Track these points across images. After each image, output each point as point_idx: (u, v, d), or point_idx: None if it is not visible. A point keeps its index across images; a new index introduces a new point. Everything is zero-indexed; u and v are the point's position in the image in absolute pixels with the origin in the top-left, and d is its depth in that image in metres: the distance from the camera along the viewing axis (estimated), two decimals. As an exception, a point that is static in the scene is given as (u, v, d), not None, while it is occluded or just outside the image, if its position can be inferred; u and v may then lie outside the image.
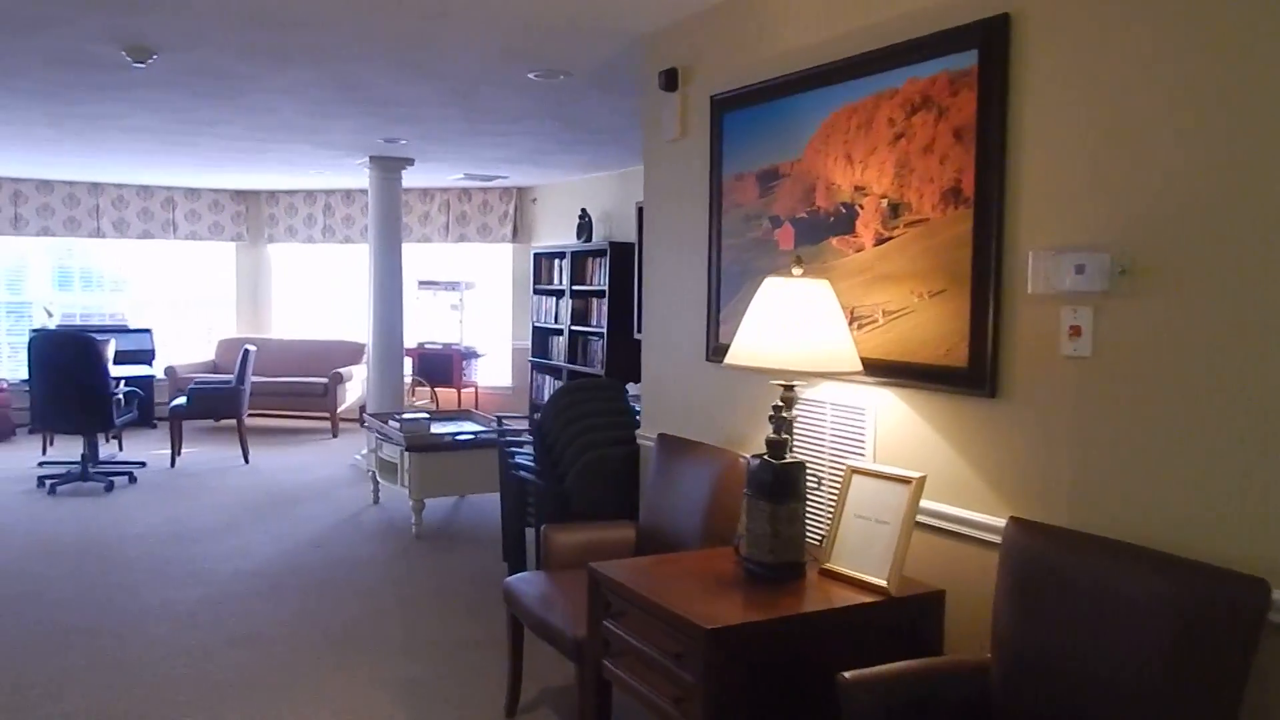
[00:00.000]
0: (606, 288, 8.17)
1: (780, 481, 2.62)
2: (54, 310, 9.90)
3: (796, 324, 2.60)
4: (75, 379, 6.85)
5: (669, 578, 2.62)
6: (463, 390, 9.90)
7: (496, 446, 5.95)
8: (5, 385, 9.06)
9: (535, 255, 9.43)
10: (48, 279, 10.16)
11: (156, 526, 6.10)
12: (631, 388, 7.48)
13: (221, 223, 10.64)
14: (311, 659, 4.02)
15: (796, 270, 2.70)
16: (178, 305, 10.81)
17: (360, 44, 4.26)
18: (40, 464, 7.91)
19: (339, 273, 10.92)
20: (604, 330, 8.22)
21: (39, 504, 6.63)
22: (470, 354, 9.97)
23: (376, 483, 6.83)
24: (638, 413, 4.37)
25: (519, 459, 5.00)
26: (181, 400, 8.09)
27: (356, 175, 9.05)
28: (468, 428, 6.63)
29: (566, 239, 9.37)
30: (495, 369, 10.43)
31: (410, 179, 8.97)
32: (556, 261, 9.17)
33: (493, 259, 10.49)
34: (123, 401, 7.67)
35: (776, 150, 3.21)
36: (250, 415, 9.31)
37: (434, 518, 6.42)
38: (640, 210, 7.79)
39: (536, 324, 9.41)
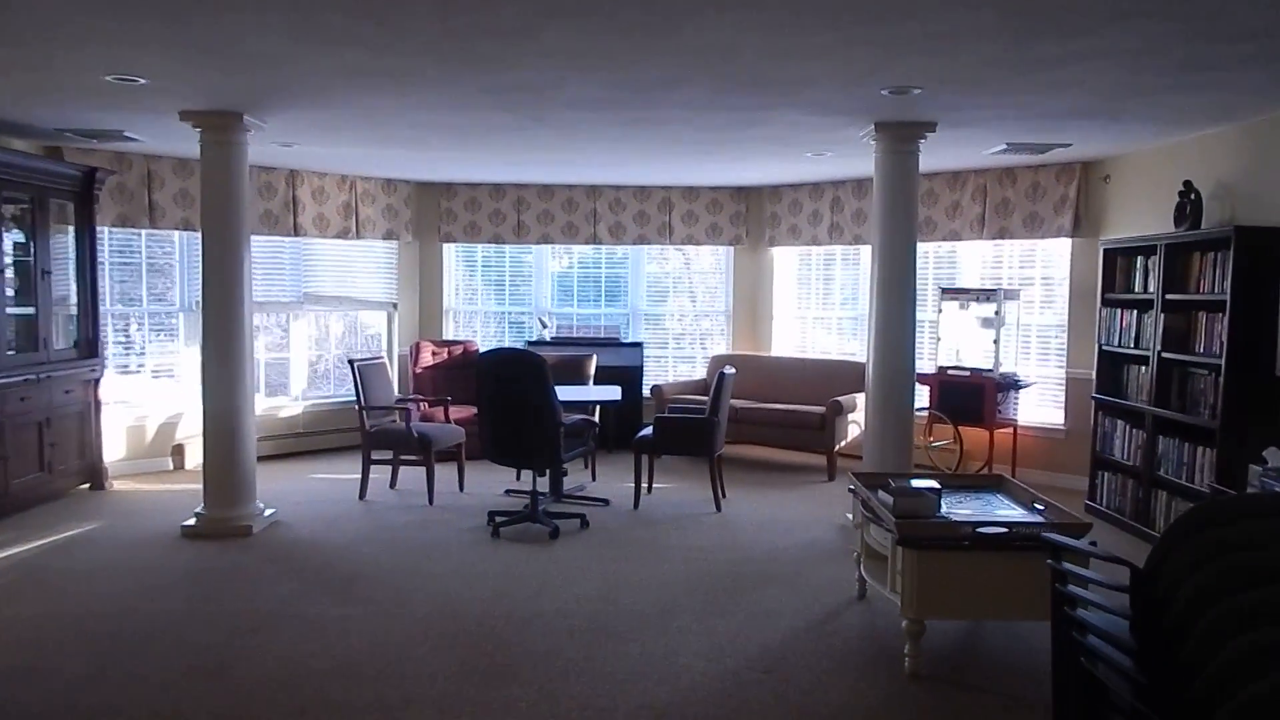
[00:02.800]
0: (1228, 296, 5.30)
1: None
2: (549, 322, 9.49)
3: None
4: (517, 405, 5.90)
5: None
6: (996, 431, 7.51)
7: (1044, 556, 3.65)
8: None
9: (1105, 251, 6.73)
10: (547, 288, 9.84)
11: (578, 603, 4.80)
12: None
13: (720, 224, 9.48)
14: None
15: None
16: (674, 316, 9.90)
17: None
18: (507, 491, 7.25)
19: (847, 278, 9.15)
20: (1219, 361, 5.36)
21: (474, 550, 5.76)
22: (1010, 383, 7.54)
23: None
24: None
25: (1088, 617, 2.70)
26: (647, 430, 6.90)
27: (864, 157, 7.18)
28: (1000, 511, 4.37)
29: (1154, 226, 6.54)
30: (1043, 403, 7.85)
31: (931, 158, 6.86)
32: (1137, 259, 6.40)
33: (1044, 259, 7.92)
34: (587, 431, 6.67)
35: None
36: (734, 444, 7.92)
37: (941, 640, 4.30)
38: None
39: (1105, 346, 6.71)
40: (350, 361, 7.14)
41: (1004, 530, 3.97)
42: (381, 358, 7.59)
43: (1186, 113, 5.47)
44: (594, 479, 7.70)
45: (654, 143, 6.77)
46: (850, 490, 4.96)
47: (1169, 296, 5.93)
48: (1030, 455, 7.75)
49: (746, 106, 5.44)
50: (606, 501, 6.92)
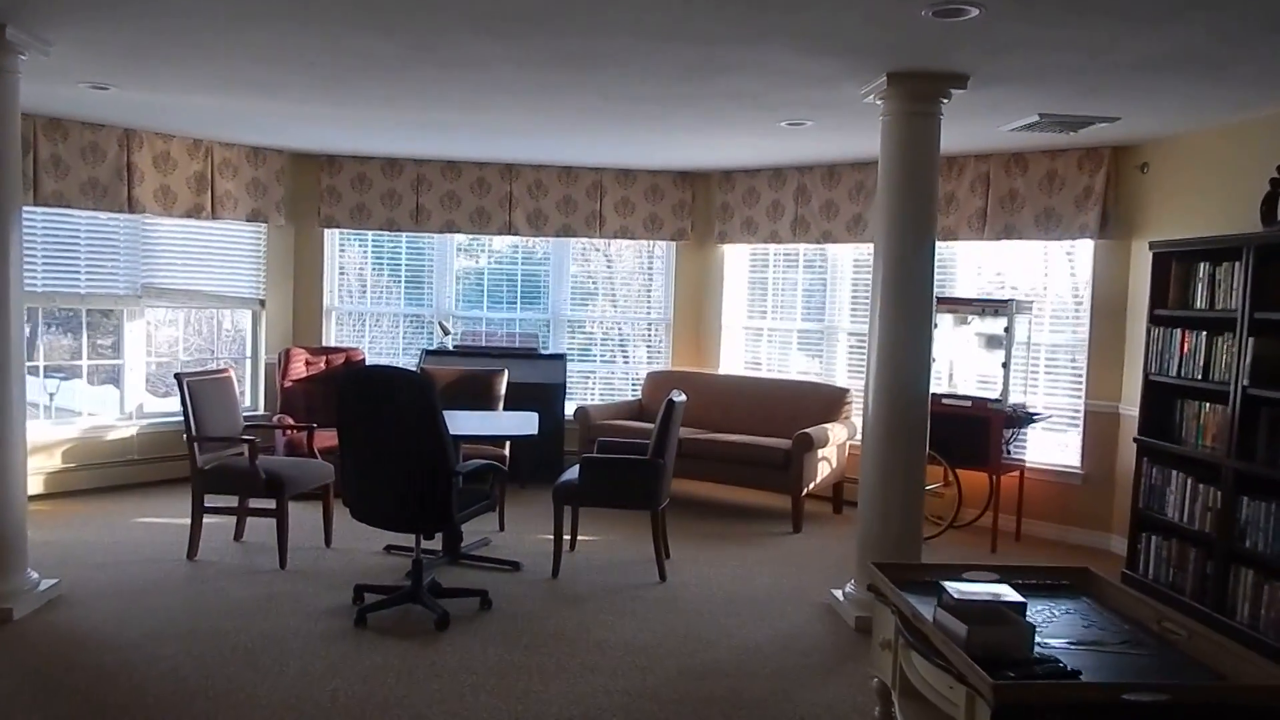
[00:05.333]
0: (1365, 318, 3.92)
1: None
2: (451, 328, 7.78)
3: None
4: (390, 447, 4.22)
5: None
6: (1002, 477, 6.08)
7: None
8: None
9: (1156, 256, 5.35)
10: (450, 287, 8.11)
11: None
12: None
13: (660, 215, 7.90)
14: None
15: None
16: (605, 323, 8.28)
17: None
18: (388, 548, 5.54)
19: (812, 284, 7.66)
20: (1347, 404, 3.98)
21: (327, 651, 4.05)
22: (1021, 416, 6.12)
23: (890, 704, 3.34)
24: None
25: None
26: (571, 474, 5.27)
27: (853, 130, 5.69)
28: (1111, 641, 2.87)
29: (1219, 225, 5.19)
30: (1055, 440, 6.46)
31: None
32: (1201, 266, 5.02)
33: (1057, 265, 6.54)
34: (493, 478, 5.00)
35: None
36: (677, 479, 6.37)
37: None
38: None
39: (1156, 376, 5.32)
40: (178, 377, 5.34)
41: (1162, 698, 2.45)
42: (226, 372, 5.79)
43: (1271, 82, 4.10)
44: (502, 527, 6.04)
45: (588, 98, 5.15)
46: (872, 593, 3.40)
47: (1259, 315, 4.55)
48: (1038, 504, 6.35)
49: (721, 38, 3.87)
50: (517, 565, 5.27)
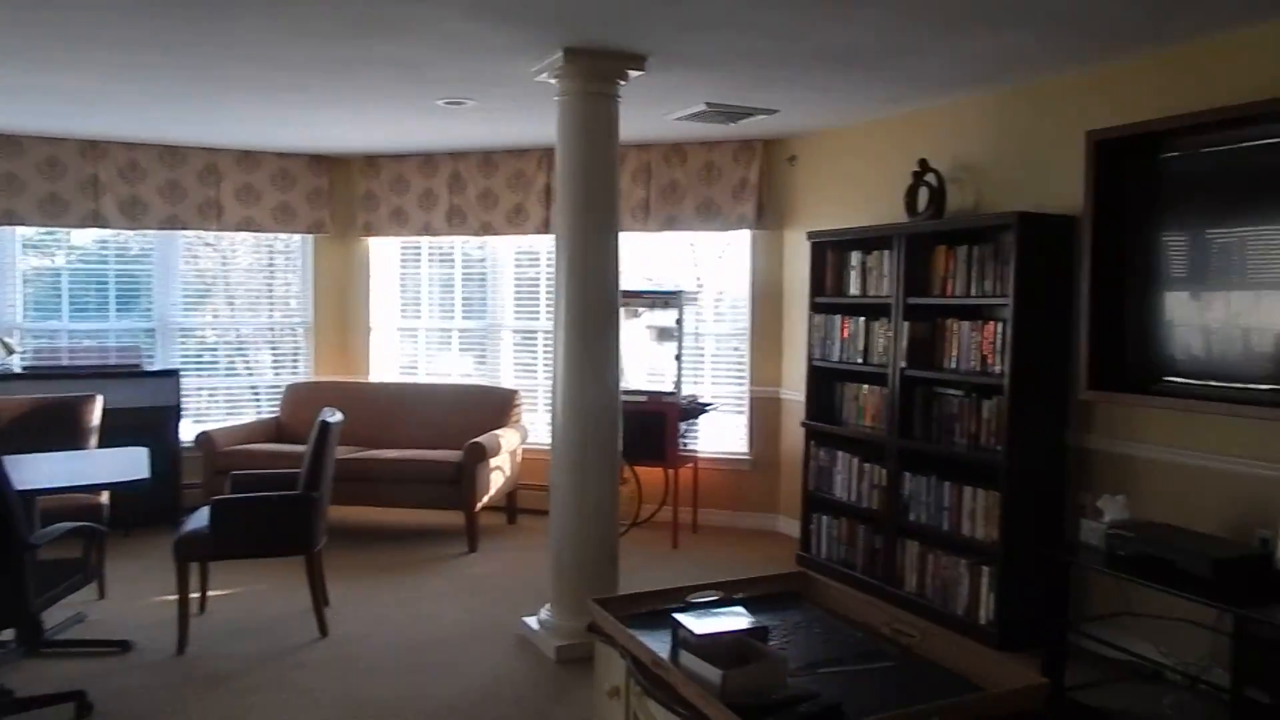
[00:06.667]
0: (1010, 300, 4.17)
1: None
2: (16, 344, 6.25)
3: None
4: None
5: None
6: (679, 470, 5.99)
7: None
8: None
9: (814, 246, 5.48)
10: (16, 291, 6.56)
11: None
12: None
13: (293, 204, 6.95)
14: None
15: None
16: (220, 330, 7.16)
17: None
18: (-53, 644, 4.24)
19: (472, 280, 7.14)
20: (998, 379, 4.23)
21: None
22: (694, 408, 6.05)
23: (617, 757, 2.95)
24: None
25: None
26: (199, 521, 4.33)
27: (518, 113, 5.25)
28: (862, 659, 2.70)
29: (870, 216, 5.42)
30: (725, 429, 6.50)
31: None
32: (858, 255, 5.21)
33: (719, 255, 6.58)
34: (89, 543, 3.94)
35: None
36: (333, 506, 5.61)
37: None
38: (1109, 147, 3.82)
39: (819, 362, 5.46)
40: None
41: (934, 721, 2.27)
42: None
43: (925, 80, 4.27)
44: (102, 594, 4.87)
45: (209, 57, 4.23)
46: (596, 634, 2.99)
47: (912, 300, 4.75)
48: (711, 492, 6.36)
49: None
50: (127, 645, 4.20)
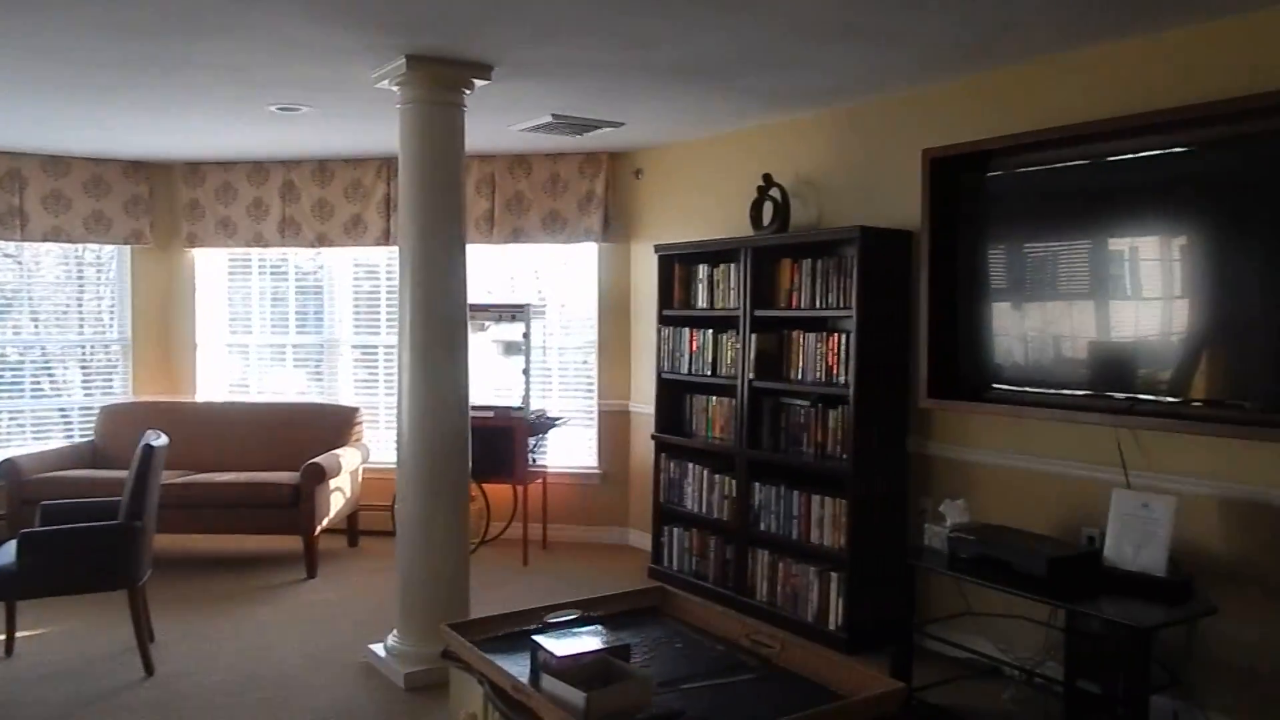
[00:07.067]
0: (854, 312, 4.31)
1: None
2: None
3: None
4: None
5: None
6: (528, 486, 5.88)
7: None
8: None
9: (661, 259, 5.51)
10: None
11: None
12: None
13: (107, 212, 6.45)
14: None
15: None
16: (34, 351, 6.57)
17: None
18: None
19: (307, 293, 6.82)
20: (847, 389, 4.35)
21: None
22: (543, 423, 5.96)
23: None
24: None
25: None
26: (5, 557, 3.93)
27: (357, 119, 5.04)
28: (733, 673, 2.69)
29: (715, 229, 5.50)
30: (575, 443, 6.43)
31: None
32: (705, 268, 5.27)
33: (564, 269, 6.52)
34: None
35: None
36: (158, 534, 5.22)
37: None
38: (943, 165, 4.01)
39: (668, 374, 5.48)
40: None
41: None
42: None
43: (776, 93, 4.38)
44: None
45: (10, 54, 3.86)
46: (451, 660, 2.86)
47: (759, 313, 4.84)
48: (561, 508, 6.29)
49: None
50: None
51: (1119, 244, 3.58)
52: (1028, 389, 3.86)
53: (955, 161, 4.05)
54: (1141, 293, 3.52)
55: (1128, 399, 3.51)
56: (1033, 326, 3.86)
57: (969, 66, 4.00)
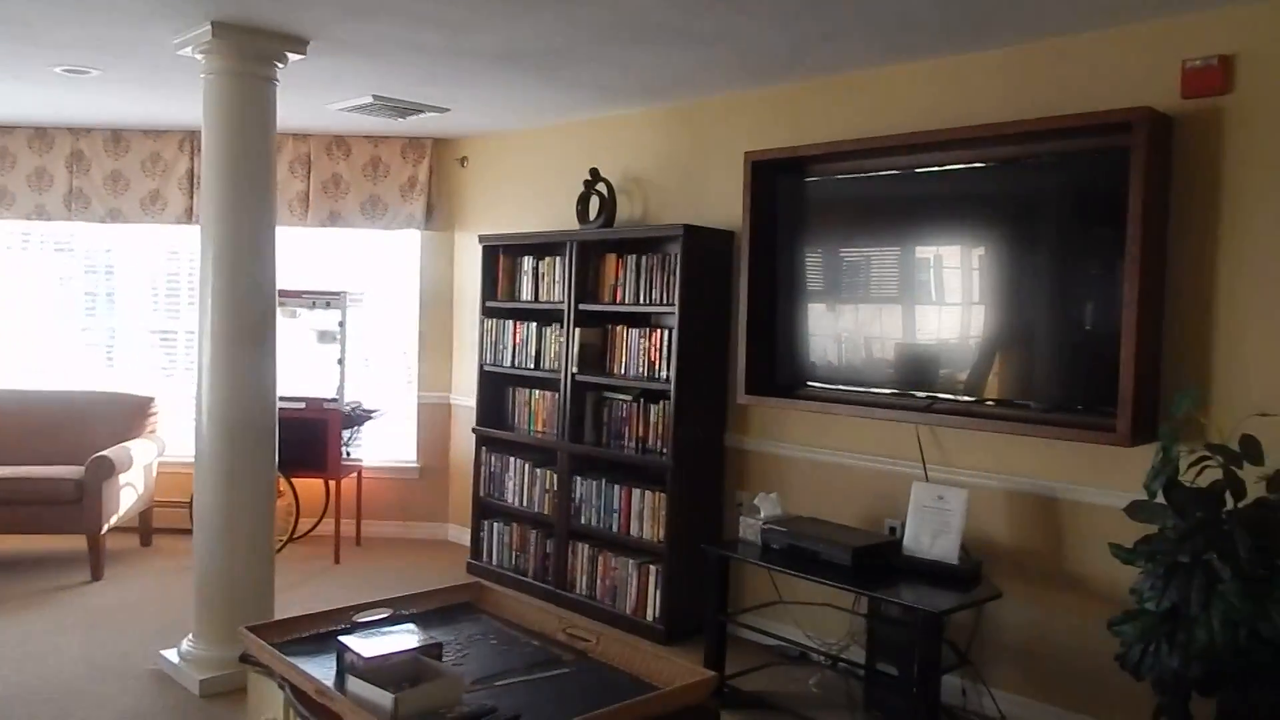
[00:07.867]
0: (676, 309, 4.37)
1: None
2: None
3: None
4: None
5: None
6: (341, 480, 5.65)
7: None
8: None
9: (486, 249, 5.40)
10: None
11: None
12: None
13: None
14: None
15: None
16: None
17: None
18: None
19: (95, 273, 6.29)
20: (669, 384, 4.40)
21: None
22: (359, 415, 5.74)
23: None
24: None
25: None
26: None
27: (152, 88, 4.68)
28: (550, 668, 2.65)
29: (542, 221, 5.46)
30: (392, 436, 6.22)
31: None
32: (530, 260, 5.22)
33: (381, 256, 6.29)
34: None
35: None
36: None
37: None
38: (764, 168, 4.11)
39: (490, 367, 5.39)
40: None
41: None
42: None
43: (612, 87, 4.39)
44: None
45: None
46: (250, 664, 2.70)
47: (584, 307, 4.83)
48: (377, 503, 6.08)
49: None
50: None
51: (925, 251, 3.78)
52: (840, 387, 4.02)
53: (775, 165, 4.16)
54: (944, 298, 3.73)
55: (928, 398, 3.71)
56: (846, 328, 4.03)
57: (791, 73, 4.12)
